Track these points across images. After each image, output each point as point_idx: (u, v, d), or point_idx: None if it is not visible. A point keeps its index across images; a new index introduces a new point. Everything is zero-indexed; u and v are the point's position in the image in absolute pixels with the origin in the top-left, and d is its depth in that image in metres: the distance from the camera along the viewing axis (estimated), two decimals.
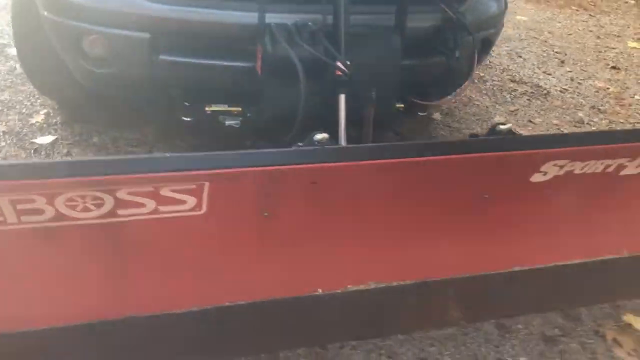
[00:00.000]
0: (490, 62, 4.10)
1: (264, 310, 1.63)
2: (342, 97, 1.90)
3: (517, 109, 3.45)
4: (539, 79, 3.95)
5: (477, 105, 3.44)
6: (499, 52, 4.33)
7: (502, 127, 1.55)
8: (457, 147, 1.56)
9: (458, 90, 2.36)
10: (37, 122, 2.72)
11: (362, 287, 1.73)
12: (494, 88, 3.69)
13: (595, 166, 1.74)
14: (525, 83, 3.83)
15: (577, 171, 1.73)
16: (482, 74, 3.87)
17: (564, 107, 3.57)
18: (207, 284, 1.58)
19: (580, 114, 3.50)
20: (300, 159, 1.40)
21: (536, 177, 1.71)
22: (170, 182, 1.34)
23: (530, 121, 3.33)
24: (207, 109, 2.15)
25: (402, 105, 2.34)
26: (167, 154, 1.34)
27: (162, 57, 2.05)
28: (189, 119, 2.17)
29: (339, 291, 1.71)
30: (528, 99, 3.61)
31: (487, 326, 1.84)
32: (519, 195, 1.75)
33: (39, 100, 2.86)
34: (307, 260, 1.66)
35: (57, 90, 2.60)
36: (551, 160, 1.66)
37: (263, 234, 1.58)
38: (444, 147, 1.54)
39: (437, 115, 3.22)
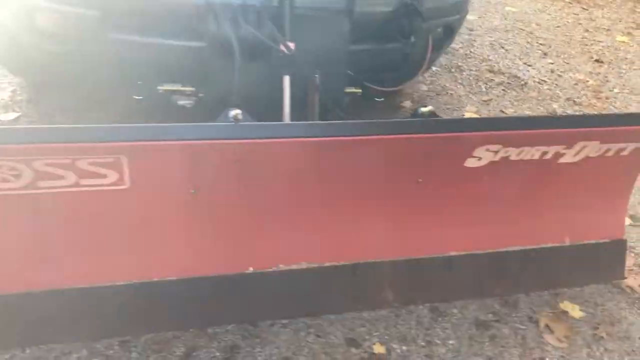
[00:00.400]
0: (470, 52, 4.09)
1: (193, 286, 1.65)
2: (287, 79, 1.91)
3: (491, 99, 3.44)
4: (518, 69, 3.93)
5: (451, 94, 3.43)
6: (482, 42, 4.32)
7: (423, 109, 1.55)
8: (384, 128, 1.56)
9: (417, 77, 2.34)
10: (2, 99, 2.74)
11: (294, 266, 1.74)
12: (470, 78, 3.68)
13: (531, 153, 1.75)
14: (503, 73, 3.81)
15: (513, 157, 1.74)
16: (460, 64, 3.86)
17: (539, 98, 3.56)
18: (135, 258, 1.60)
19: (555, 106, 3.49)
20: (218, 135, 1.41)
21: (471, 162, 1.72)
22: (85, 154, 1.36)
23: (502, 111, 3.32)
24: (159, 88, 2.16)
25: (360, 90, 2.34)
26: (84, 125, 1.35)
27: (113, 35, 2.06)
28: (140, 98, 2.19)
29: (270, 270, 1.73)
30: (504, 90, 3.60)
31: (421, 309, 1.85)
32: (455, 180, 1.76)
33: (6, 79, 2.88)
34: (238, 238, 1.68)
35: (22, 68, 2.62)
36: (484, 145, 1.67)
37: (191, 210, 1.59)
38: (369, 127, 1.54)
39: (407, 103, 3.21)
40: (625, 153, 1.85)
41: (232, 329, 1.71)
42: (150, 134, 1.38)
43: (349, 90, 2.31)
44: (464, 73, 3.74)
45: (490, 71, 3.83)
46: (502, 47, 4.29)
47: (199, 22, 1.97)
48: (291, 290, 1.75)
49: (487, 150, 1.69)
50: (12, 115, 2.63)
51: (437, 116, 1.72)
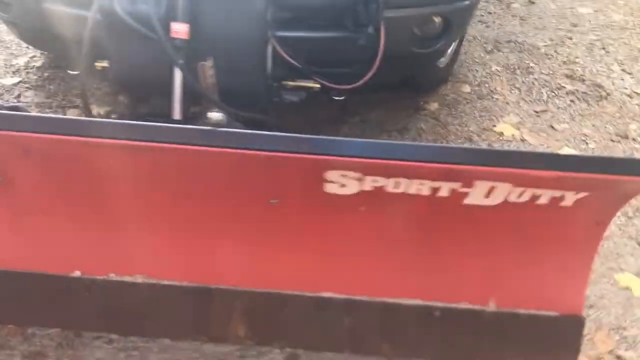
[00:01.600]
0: (555, 51, 3.43)
1: (11, 280, 1.53)
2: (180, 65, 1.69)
3: (545, 110, 2.84)
4: (609, 77, 3.21)
5: (496, 99, 2.90)
6: (579, 40, 3.60)
7: (211, 115, 1.22)
8: (198, 137, 1.27)
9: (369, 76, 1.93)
10: (17, 64, 2.85)
11: (127, 278, 1.54)
12: (535, 82, 3.08)
13: (415, 187, 1.35)
14: (583, 81, 3.13)
15: (390, 189, 1.36)
16: (532, 64, 3.25)
17: (616, 114, 2.87)
18: None
19: (633, 127, 2.78)
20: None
21: (331, 188, 1.37)
22: None
23: (552, 126, 2.72)
24: (96, 64, 2.04)
25: (317, 85, 2.02)
26: None
27: (46, 5, 1.99)
28: (76, 73, 2.10)
29: (100, 278, 1.54)
30: (572, 100, 2.95)
31: (276, 354, 1.55)
32: (317, 206, 1.43)
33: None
34: (61, 237, 1.52)
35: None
36: (335, 170, 1.31)
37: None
38: (174, 134, 1.26)
39: (433, 105, 2.77)
40: (566, 204, 1.36)
41: (54, 334, 1.56)
42: None
43: (302, 83, 2.01)
44: (530, 76, 3.14)
45: (567, 76, 3.17)
46: (603, 49, 3.54)
47: None
48: (122, 304, 1.56)
49: (344, 176, 1.33)
50: (12, 80, 2.72)
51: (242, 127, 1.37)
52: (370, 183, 1.34)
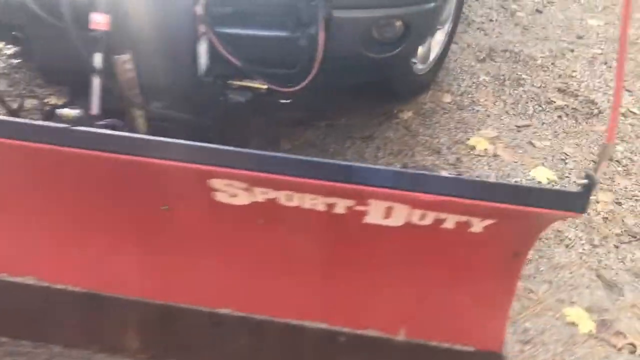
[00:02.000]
0: (552, 63, 3.25)
1: None
2: (98, 57, 1.60)
3: (528, 125, 2.68)
4: (606, 94, 3.02)
5: (477, 110, 2.74)
6: (580, 53, 3.41)
7: (61, 112, 1.12)
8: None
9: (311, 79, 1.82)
10: None
11: (19, 279, 1.47)
12: (523, 95, 2.91)
13: (310, 201, 1.23)
14: (576, 96, 2.96)
15: (283, 202, 1.25)
16: (524, 76, 3.08)
17: (604, 134, 2.69)
18: None
19: (620, 148, 2.61)
20: None
21: (222, 197, 1.27)
22: None
23: (531, 143, 2.56)
24: None
25: (264, 86, 1.92)
26: None
27: None
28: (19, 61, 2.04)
29: None
30: (559, 116, 2.78)
31: None
32: (207, 214, 1.33)
33: None
34: None
35: None
36: (217, 178, 1.21)
37: None
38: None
39: (407, 114, 2.64)
40: (475, 230, 1.23)
41: None
42: None
43: (248, 84, 1.91)
44: (519, 88, 2.97)
45: (559, 90, 3.00)
46: (605, 63, 3.35)
47: None
48: (13, 305, 1.48)
49: (230, 185, 1.22)
50: None
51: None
52: (260, 195, 1.23)
